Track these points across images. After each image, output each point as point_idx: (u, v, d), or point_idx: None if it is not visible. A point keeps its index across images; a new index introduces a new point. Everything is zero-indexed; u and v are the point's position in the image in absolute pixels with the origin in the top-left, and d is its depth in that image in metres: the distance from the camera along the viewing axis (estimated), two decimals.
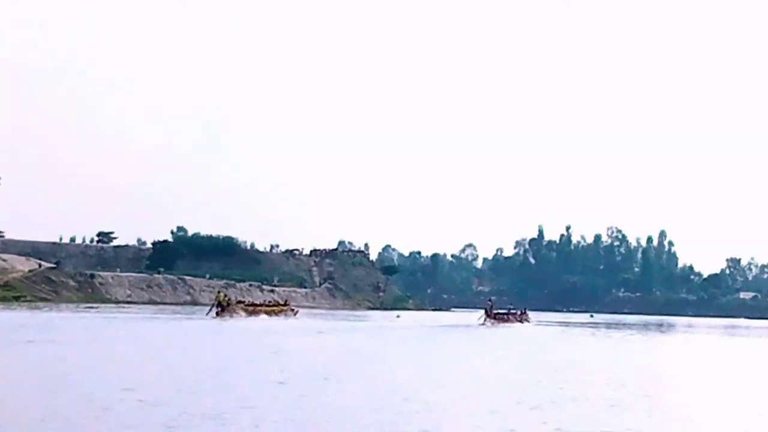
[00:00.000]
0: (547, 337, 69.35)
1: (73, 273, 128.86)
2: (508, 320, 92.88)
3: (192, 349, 39.81)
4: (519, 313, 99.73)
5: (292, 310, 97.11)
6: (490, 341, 57.25)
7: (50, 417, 17.54)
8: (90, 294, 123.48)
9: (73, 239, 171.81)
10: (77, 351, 35.51)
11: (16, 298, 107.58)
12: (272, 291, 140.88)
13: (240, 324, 70.71)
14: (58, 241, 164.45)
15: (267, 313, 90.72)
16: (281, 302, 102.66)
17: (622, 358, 43.89)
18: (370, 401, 21.07)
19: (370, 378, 27.63)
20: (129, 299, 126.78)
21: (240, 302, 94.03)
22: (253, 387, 23.56)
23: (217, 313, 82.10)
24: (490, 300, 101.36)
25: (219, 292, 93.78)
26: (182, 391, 22.16)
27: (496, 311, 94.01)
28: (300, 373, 28.35)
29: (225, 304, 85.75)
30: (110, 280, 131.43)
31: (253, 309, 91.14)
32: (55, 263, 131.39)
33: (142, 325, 62.66)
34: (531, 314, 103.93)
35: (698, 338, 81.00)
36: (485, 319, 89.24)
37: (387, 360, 36.45)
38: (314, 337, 55.75)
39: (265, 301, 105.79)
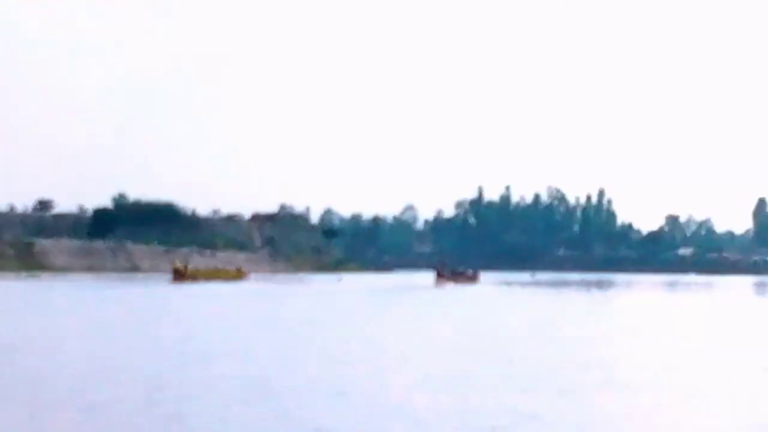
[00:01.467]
0: (504, 297, 69.32)
1: (11, 241, 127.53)
2: (459, 281, 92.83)
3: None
4: (470, 273, 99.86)
5: (245, 275, 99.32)
6: (451, 303, 56.93)
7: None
8: (29, 262, 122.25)
9: (12, 208, 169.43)
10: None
11: None
12: (213, 256, 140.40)
13: (203, 290, 70.94)
14: None
15: (221, 278, 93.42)
16: (229, 268, 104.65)
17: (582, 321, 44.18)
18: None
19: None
20: (69, 267, 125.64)
21: (196, 269, 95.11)
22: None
23: (174, 279, 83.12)
24: (441, 261, 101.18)
25: (176, 260, 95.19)
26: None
27: (446, 272, 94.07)
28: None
29: (183, 270, 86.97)
30: (49, 248, 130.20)
31: (208, 274, 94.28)
32: None
33: (101, 294, 61.89)
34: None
35: (640, 295, 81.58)
36: (437, 280, 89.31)
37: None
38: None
39: (206, 266, 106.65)
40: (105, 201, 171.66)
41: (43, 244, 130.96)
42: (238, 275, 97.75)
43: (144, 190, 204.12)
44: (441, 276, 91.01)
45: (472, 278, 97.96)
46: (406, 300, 60.87)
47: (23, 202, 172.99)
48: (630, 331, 34.67)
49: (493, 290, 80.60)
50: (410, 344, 27.07)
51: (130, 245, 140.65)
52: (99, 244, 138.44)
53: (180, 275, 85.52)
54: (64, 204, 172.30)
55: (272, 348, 24.97)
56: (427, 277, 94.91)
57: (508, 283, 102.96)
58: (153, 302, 52.31)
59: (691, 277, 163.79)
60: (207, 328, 32.30)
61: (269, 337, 29.00)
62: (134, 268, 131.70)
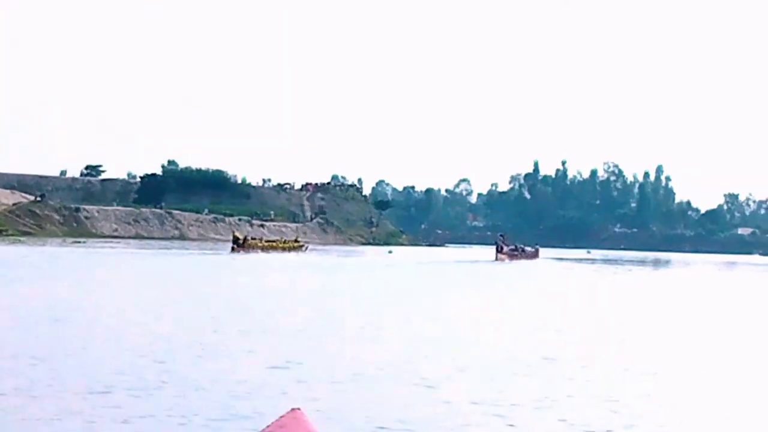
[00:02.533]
0: (575, 276, 66.26)
1: (57, 206, 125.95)
2: (519, 256, 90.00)
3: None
4: (530, 249, 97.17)
5: (303, 246, 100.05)
6: (524, 280, 54.16)
7: None
8: (75, 228, 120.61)
9: (63, 172, 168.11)
10: None
11: None
12: (262, 226, 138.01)
13: (266, 260, 71.03)
14: (44, 174, 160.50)
15: (280, 248, 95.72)
16: (286, 239, 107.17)
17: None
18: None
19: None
20: (115, 233, 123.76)
21: (254, 239, 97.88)
22: None
23: (233, 249, 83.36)
24: (501, 236, 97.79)
25: (234, 230, 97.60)
26: None
27: (509, 247, 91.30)
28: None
29: (242, 240, 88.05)
30: (96, 214, 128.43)
31: (268, 245, 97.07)
32: (40, 196, 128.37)
33: (170, 262, 60.61)
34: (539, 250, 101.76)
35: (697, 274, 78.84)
36: (498, 255, 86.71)
37: None
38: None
39: (252, 235, 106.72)
40: (154, 167, 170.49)
41: (90, 209, 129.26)
42: (295, 246, 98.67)
43: (194, 157, 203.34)
44: (501, 252, 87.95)
45: (533, 255, 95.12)
46: (472, 276, 58.17)
47: (73, 166, 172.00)
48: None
49: (555, 267, 77.59)
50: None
51: (178, 213, 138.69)
52: (146, 211, 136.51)
53: (239, 245, 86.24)
54: (113, 170, 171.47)
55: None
56: (484, 252, 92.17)
57: (564, 260, 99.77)
58: (228, 272, 51.04)
59: (754, 258, 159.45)
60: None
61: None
62: (182, 237, 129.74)
